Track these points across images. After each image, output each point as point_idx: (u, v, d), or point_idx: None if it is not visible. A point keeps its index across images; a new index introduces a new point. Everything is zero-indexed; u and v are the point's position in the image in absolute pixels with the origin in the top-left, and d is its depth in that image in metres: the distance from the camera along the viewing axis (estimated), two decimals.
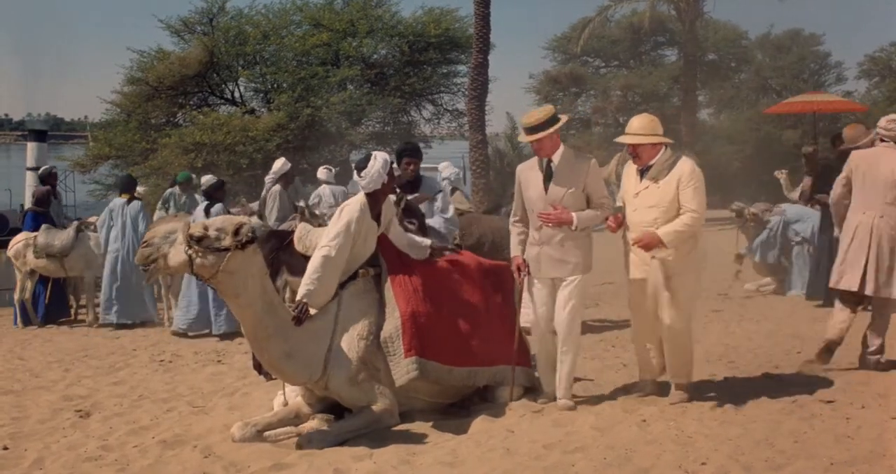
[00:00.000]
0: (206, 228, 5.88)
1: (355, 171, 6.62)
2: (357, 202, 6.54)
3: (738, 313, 11.04)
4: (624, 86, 35.12)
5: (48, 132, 24.90)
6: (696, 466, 5.45)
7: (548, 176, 6.69)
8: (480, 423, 6.44)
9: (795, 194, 13.82)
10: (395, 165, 6.93)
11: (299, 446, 6.02)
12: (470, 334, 6.72)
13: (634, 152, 6.76)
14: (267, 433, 6.31)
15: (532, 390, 7.09)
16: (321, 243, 6.40)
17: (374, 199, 6.55)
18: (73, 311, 13.46)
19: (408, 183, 8.26)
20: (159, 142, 24.03)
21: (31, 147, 21.69)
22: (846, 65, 39.98)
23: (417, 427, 6.41)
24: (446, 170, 11.44)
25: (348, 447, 6.02)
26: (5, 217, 13.63)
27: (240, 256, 5.88)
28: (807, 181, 11.84)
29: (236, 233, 5.85)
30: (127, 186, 12.84)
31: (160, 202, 13.83)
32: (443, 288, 6.74)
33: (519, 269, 6.84)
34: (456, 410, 6.77)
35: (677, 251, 6.55)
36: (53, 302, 12.98)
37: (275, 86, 26.32)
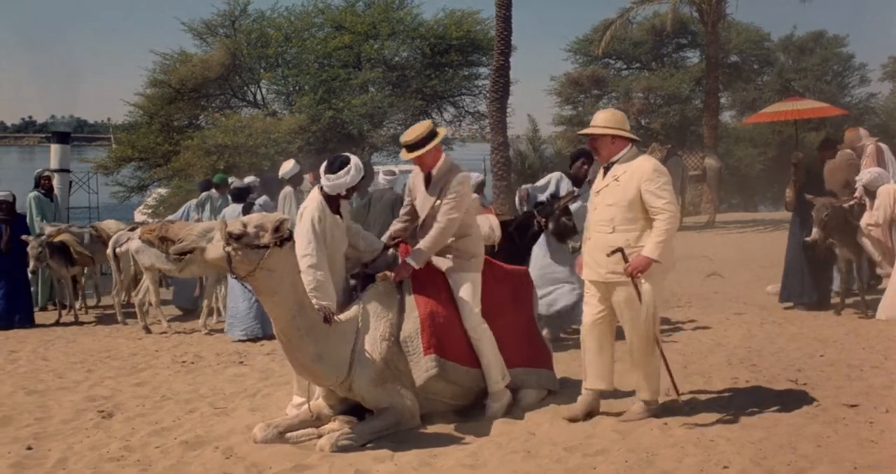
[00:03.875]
0: (244, 225, 5.87)
1: (323, 170, 6.59)
2: (314, 201, 6.57)
3: (761, 316, 10.97)
4: (646, 88, 34.97)
5: (71, 134, 25.07)
6: (717, 470, 5.43)
7: (427, 185, 6.80)
8: (501, 426, 6.44)
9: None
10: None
11: (321, 448, 6.02)
12: (496, 336, 6.72)
13: (593, 146, 6.62)
14: (288, 434, 6.33)
15: (552, 392, 7.09)
16: (300, 254, 6.30)
17: (332, 200, 6.61)
18: (74, 311, 13.43)
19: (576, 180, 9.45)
20: (181, 144, 24.13)
21: (55, 149, 21.84)
22: (870, 66, 39.77)
23: (438, 429, 6.42)
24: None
25: (369, 449, 6.03)
26: (24, 218, 13.67)
27: (278, 253, 5.87)
28: (790, 189, 11.74)
29: (277, 230, 5.86)
30: (239, 196, 12.00)
31: (195, 204, 13.87)
32: None
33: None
34: (477, 412, 6.76)
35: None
36: (19, 304, 12.88)
37: (296, 88, 26.39)
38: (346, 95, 24.73)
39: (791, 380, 7.52)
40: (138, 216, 24.01)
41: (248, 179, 13.05)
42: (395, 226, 7.07)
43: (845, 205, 10.48)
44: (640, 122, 34.81)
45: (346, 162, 6.54)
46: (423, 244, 6.62)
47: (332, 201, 6.60)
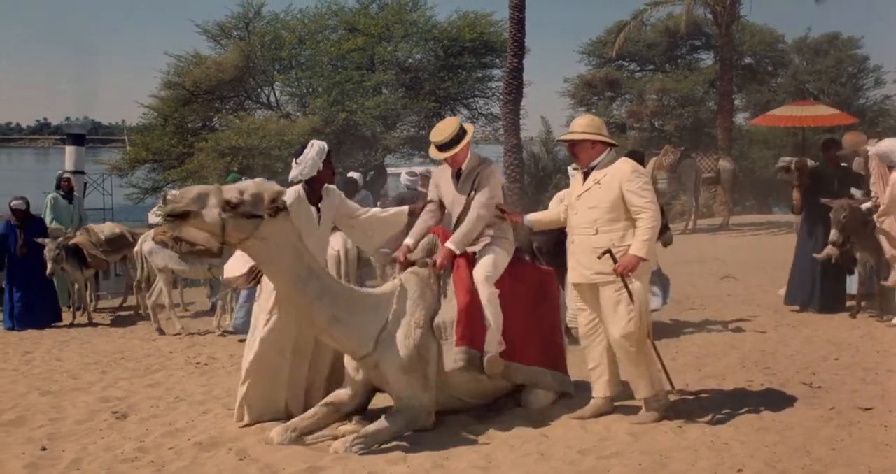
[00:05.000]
0: (241, 193, 5.82)
1: (293, 159, 6.82)
2: (292, 190, 6.70)
3: (775, 319, 10.94)
4: (659, 90, 34.88)
5: (86, 136, 25.14)
6: (731, 473, 5.42)
7: (457, 181, 6.90)
8: (515, 428, 6.44)
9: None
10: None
11: (336, 451, 6.02)
12: (513, 331, 6.70)
13: (572, 151, 6.71)
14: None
15: (565, 395, 7.08)
16: None
17: (312, 187, 6.80)
18: (88, 313, 13.45)
19: None
20: (195, 146, 24.17)
21: (70, 151, 21.91)
22: (885, 68, 39.53)
23: (452, 431, 6.42)
24: None
25: (382, 451, 6.02)
26: (42, 220, 13.73)
27: (272, 223, 5.88)
28: (797, 192, 11.68)
29: (273, 200, 5.86)
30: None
31: None
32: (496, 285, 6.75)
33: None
34: (491, 415, 6.76)
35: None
36: (36, 306, 12.95)
37: (310, 90, 26.42)
38: (359, 97, 24.74)
39: (805, 383, 7.50)
40: (152, 217, 24.02)
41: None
42: (423, 223, 7.04)
43: (863, 207, 10.37)
44: (654, 124, 34.76)
45: (306, 145, 6.80)
46: (462, 230, 6.68)
47: (313, 190, 6.82)
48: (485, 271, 6.64)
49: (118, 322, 13.24)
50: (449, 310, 6.48)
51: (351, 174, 13.76)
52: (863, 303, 10.86)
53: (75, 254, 13.00)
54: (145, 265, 12.41)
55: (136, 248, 12.53)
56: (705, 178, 24.80)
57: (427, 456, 5.90)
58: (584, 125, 6.65)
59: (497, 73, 27.00)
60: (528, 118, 38.58)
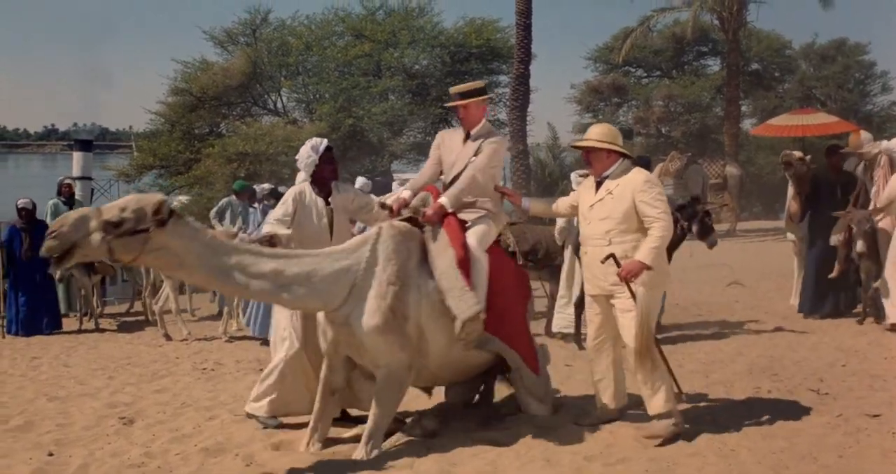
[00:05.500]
0: (122, 210, 5.53)
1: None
2: (298, 185, 7.14)
3: (782, 325, 10.92)
4: (666, 96, 34.95)
5: (93, 142, 25.23)
6: None
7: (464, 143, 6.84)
8: (520, 434, 6.42)
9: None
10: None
11: (356, 458, 5.99)
12: (497, 309, 6.47)
13: (587, 159, 6.64)
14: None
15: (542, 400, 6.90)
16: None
17: (316, 182, 7.06)
18: (95, 318, 13.46)
19: None
20: (202, 151, 24.26)
21: (77, 157, 22.00)
22: (892, 74, 39.59)
23: (458, 437, 6.40)
24: None
25: (390, 458, 6.00)
26: (47, 225, 13.78)
27: (162, 234, 5.57)
28: (795, 201, 11.64)
29: (157, 211, 5.54)
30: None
31: (215, 211, 13.89)
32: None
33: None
34: (497, 421, 6.75)
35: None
36: (41, 311, 12.97)
37: (317, 96, 26.50)
38: (366, 103, 24.82)
39: (813, 390, 7.48)
40: None
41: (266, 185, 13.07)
42: (421, 177, 7.00)
43: (877, 218, 10.42)
44: (661, 130, 34.79)
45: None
46: (455, 187, 6.59)
47: (322, 185, 7.06)
48: (478, 236, 6.51)
49: (125, 327, 13.26)
50: (443, 260, 6.26)
51: (360, 178, 13.79)
52: (868, 310, 10.84)
53: None
54: (152, 271, 12.43)
55: None
56: (712, 184, 24.81)
57: (434, 462, 5.88)
58: (600, 133, 6.61)
59: (504, 79, 27.08)
60: (535, 124, 38.55)
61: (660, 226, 6.27)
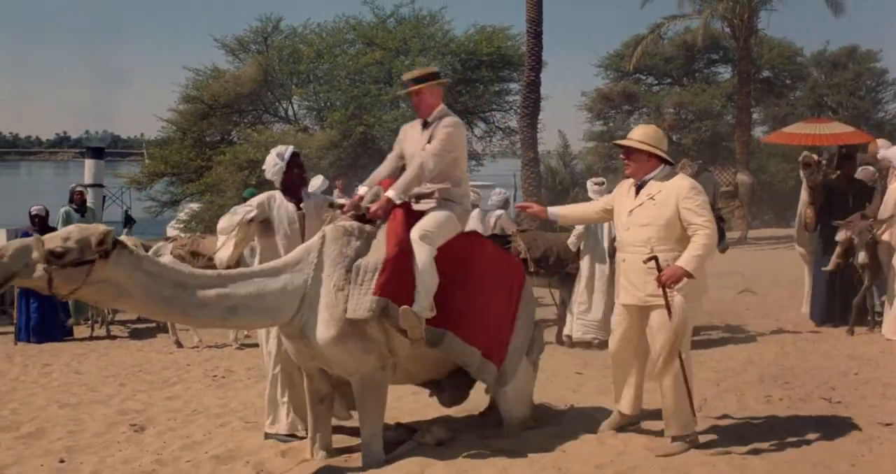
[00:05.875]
0: (65, 240, 5.40)
1: None
2: (260, 196, 6.89)
3: (793, 333, 10.89)
4: (677, 103, 34.89)
5: (105, 149, 25.33)
6: None
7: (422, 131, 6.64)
8: (532, 442, 6.40)
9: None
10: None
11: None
12: (456, 301, 6.26)
13: (627, 159, 6.36)
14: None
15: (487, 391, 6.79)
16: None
17: (286, 189, 6.87)
18: (107, 325, 13.50)
19: None
20: (214, 159, 24.28)
21: (89, 164, 22.13)
22: None
23: (469, 445, 6.39)
24: (494, 196, 12.28)
25: (401, 466, 5.99)
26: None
27: (105, 266, 5.44)
28: (810, 210, 11.58)
29: (101, 243, 5.42)
30: None
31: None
32: (449, 253, 6.30)
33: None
34: (503, 435, 6.72)
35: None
36: (48, 319, 12.99)
37: (328, 104, 26.51)
38: (376, 111, 24.81)
39: (825, 398, 7.46)
40: (171, 231, 24.20)
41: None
42: (378, 173, 6.78)
43: (879, 230, 10.42)
44: (672, 138, 34.67)
45: None
46: (402, 178, 6.33)
47: (293, 193, 6.88)
48: (423, 229, 6.18)
49: (136, 335, 13.28)
50: (373, 257, 6.02)
51: (315, 178, 13.70)
52: (878, 318, 10.81)
53: None
54: None
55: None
56: (723, 192, 24.76)
57: (444, 470, 5.87)
58: (644, 134, 6.35)
59: (514, 86, 27.04)
60: (546, 132, 38.56)
61: (705, 234, 6.02)
